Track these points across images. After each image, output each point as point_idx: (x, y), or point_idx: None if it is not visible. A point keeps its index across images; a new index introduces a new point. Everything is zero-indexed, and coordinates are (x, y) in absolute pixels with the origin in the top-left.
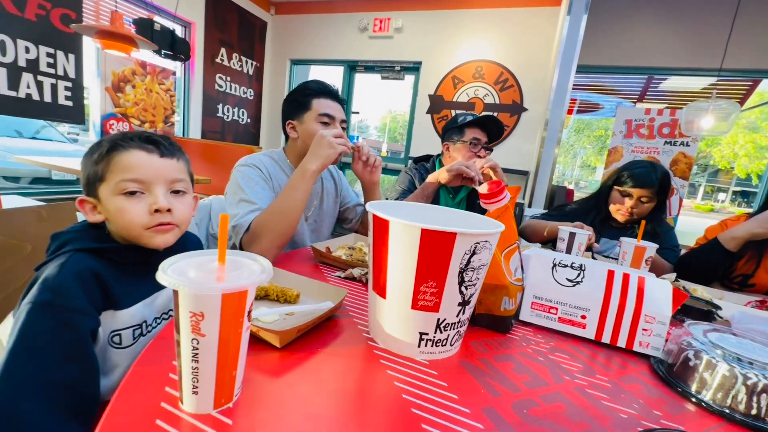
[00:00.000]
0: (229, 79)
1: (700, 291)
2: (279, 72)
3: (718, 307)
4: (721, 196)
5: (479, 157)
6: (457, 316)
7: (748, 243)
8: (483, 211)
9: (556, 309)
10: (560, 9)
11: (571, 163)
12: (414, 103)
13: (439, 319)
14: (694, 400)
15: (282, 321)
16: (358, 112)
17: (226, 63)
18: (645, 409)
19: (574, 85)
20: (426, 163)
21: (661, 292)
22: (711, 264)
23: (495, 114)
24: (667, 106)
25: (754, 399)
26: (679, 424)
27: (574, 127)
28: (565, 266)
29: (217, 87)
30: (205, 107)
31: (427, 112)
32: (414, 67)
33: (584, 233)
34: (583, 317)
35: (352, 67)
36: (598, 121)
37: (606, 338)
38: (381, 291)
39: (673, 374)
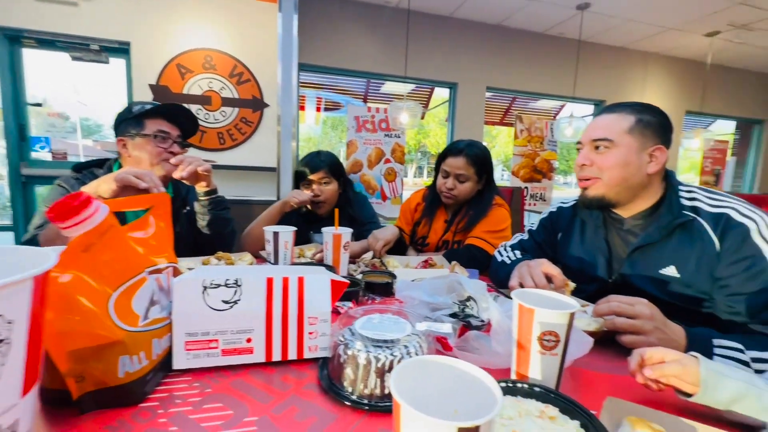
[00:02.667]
0: None
1: (392, 261)
2: None
3: (394, 276)
4: None
5: (172, 153)
6: None
7: (424, 210)
8: None
9: (217, 341)
10: (276, 6)
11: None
12: (130, 94)
13: None
14: (348, 403)
15: None
16: (40, 104)
17: None
18: None
19: (312, 83)
20: (99, 169)
21: (319, 288)
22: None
23: (236, 108)
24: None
25: (385, 379)
26: None
27: (330, 123)
28: (218, 286)
29: None
30: None
31: None
32: (121, 49)
33: (289, 230)
34: (249, 341)
35: (13, 39)
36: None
37: (277, 356)
38: None
39: (332, 377)
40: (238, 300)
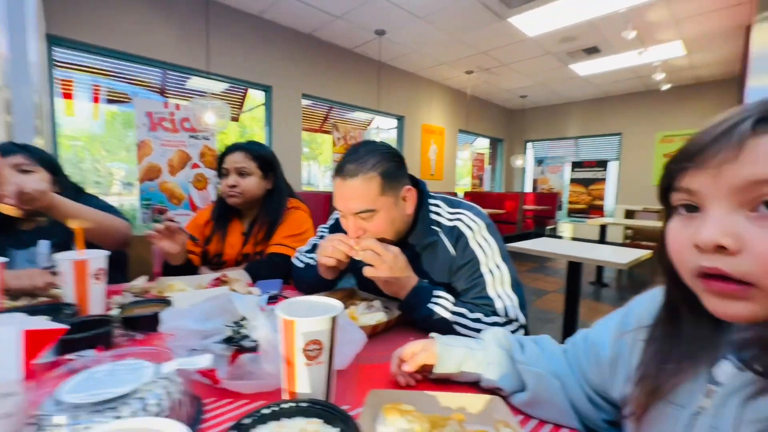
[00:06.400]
0: None
1: (177, 284)
2: None
3: (168, 303)
4: None
5: None
6: None
7: (215, 224)
8: None
9: None
10: None
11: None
12: None
13: None
14: None
15: None
16: None
17: None
18: None
19: (82, 66)
20: None
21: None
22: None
23: None
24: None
25: None
26: None
27: (121, 119)
28: None
29: None
30: None
31: None
32: None
33: None
34: None
35: None
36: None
37: None
38: None
39: None
40: None
